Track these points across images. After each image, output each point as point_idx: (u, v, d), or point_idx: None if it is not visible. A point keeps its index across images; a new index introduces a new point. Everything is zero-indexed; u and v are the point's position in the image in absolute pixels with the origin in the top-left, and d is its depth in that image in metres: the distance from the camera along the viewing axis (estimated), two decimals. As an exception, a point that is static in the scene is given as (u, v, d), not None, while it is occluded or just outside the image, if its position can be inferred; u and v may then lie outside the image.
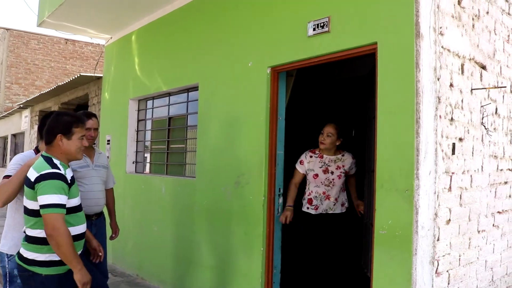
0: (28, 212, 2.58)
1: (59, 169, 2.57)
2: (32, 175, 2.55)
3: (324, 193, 4.12)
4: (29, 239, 2.57)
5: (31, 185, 2.54)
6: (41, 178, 2.51)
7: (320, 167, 4.14)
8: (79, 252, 2.72)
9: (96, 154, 3.82)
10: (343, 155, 4.21)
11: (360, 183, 4.41)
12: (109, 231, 3.99)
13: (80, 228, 2.71)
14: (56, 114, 2.76)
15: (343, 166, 4.17)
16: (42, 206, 2.47)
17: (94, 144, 3.90)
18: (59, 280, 2.55)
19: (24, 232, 2.64)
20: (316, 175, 4.13)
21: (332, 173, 4.14)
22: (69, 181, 2.62)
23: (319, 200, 4.11)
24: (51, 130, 2.67)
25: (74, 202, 2.66)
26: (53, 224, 2.44)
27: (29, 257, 2.55)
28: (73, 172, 3.53)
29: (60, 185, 2.52)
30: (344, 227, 4.12)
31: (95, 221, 3.71)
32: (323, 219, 4.13)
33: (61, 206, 2.50)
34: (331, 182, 4.12)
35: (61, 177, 2.55)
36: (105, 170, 3.87)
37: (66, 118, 2.68)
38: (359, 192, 4.39)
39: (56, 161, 2.62)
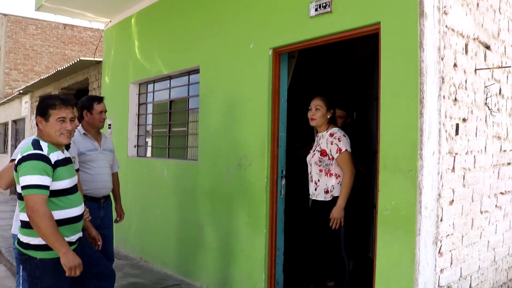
0: (18, 196, 2.57)
1: (42, 150, 2.54)
2: (17, 158, 2.55)
3: (310, 173, 3.71)
4: (22, 223, 2.57)
5: (15, 167, 2.53)
6: (22, 159, 2.49)
7: (315, 146, 3.75)
8: (77, 236, 2.69)
9: (103, 138, 3.86)
10: (327, 132, 3.63)
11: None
12: (114, 215, 4.02)
13: (74, 211, 2.64)
14: (41, 98, 2.76)
15: (321, 143, 3.62)
16: (22, 188, 2.45)
17: None
18: (54, 264, 2.50)
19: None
20: (308, 154, 3.82)
21: (313, 150, 3.72)
22: (54, 163, 2.55)
23: (309, 180, 3.74)
24: (35, 113, 2.68)
25: (64, 184, 2.59)
26: (32, 206, 2.39)
27: (24, 241, 2.54)
28: (82, 156, 3.56)
29: (41, 166, 2.47)
30: (326, 217, 3.50)
31: (103, 204, 3.76)
32: (312, 205, 3.74)
33: (42, 187, 2.44)
34: (310, 160, 3.70)
35: (43, 158, 2.50)
36: (111, 154, 3.91)
37: (44, 101, 2.66)
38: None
39: (43, 143, 2.59)
